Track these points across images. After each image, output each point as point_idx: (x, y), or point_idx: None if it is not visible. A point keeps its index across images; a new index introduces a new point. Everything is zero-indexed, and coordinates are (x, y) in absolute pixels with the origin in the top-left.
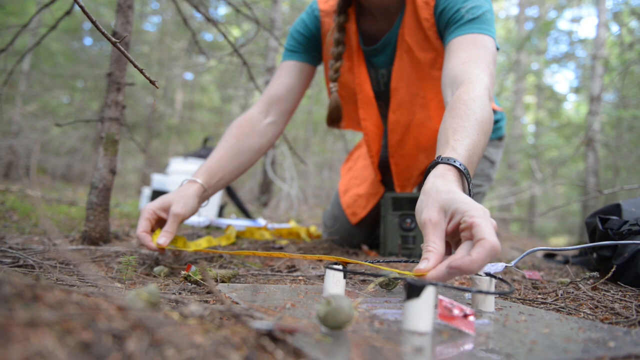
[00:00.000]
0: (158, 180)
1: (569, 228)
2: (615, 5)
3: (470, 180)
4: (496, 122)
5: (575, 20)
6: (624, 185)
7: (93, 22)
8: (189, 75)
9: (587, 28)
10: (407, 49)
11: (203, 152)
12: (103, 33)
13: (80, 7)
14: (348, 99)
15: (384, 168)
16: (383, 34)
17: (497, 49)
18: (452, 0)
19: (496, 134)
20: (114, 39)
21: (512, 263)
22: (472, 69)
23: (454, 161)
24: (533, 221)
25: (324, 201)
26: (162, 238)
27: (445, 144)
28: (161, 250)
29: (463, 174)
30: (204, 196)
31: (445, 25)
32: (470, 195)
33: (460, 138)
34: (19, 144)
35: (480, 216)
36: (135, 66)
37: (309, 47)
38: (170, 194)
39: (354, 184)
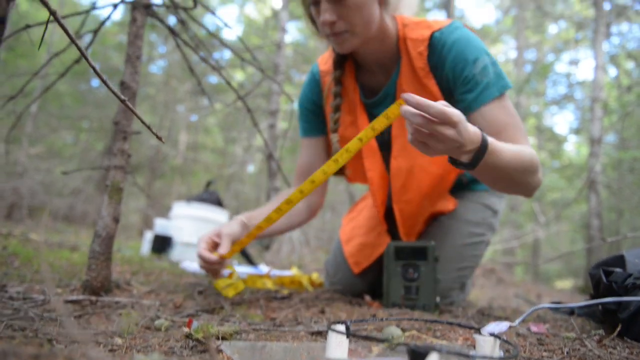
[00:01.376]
0: (161, 224)
1: (573, 271)
2: (611, 48)
3: (484, 149)
4: None
5: (573, 62)
6: (628, 231)
7: (103, 81)
8: (193, 116)
9: (585, 70)
10: (419, 87)
11: (206, 195)
12: (113, 91)
13: (92, 68)
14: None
15: (389, 218)
16: (382, 86)
17: (510, 87)
18: (457, 61)
19: None
20: (122, 97)
21: (516, 322)
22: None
23: (485, 136)
24: (537, 266)
25: (326, 244)
26: (222, 248)
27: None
28: (221, 260)
29: (482, 140)
30: (246, 227)
31: (459, 85)
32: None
33: (505, 145)
34: (23, 185)
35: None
36: (143, 123)
37: (318, 118)
38: (218, 226)
39: (357, 233)
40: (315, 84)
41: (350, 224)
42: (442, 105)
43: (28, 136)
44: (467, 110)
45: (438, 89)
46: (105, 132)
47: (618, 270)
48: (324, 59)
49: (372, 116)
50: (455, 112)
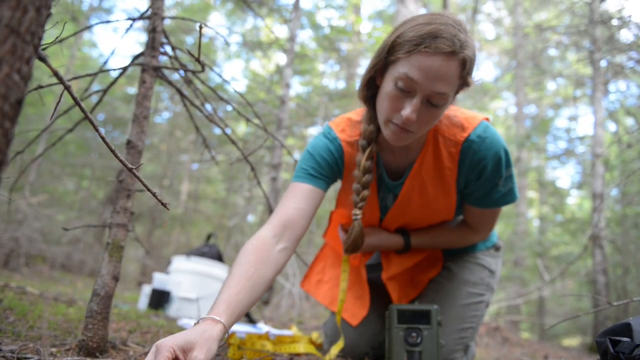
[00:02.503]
0: (159, 279)
1: (581, 328)
2: (610, 105)
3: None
4: None
5: (573, 118)
6: (635, 287)
7: (112, 151)
8: (195, 165)
9: (585, 126)
10: (420, 182)
11: (205, 249)
12: (121, 161)
13: (102, 138)
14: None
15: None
16: (401, 168)
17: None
18: (490, 170)
19: (485, 245)
20: (130, 166)
21: None
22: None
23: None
24: (544, 326)
25: None
26: None
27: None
28: None
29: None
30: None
31: (480, 183)
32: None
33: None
34: (22, 233)
35: None
36: (149, 190)
37: (330, 174)
38: (192, 334)
39: (336, 292)
40: (339, 147)
41: (322, 287)
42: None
43: (30, 184)
44: (468, 201)
45: (455, 187)
46: (106, 180)
47: (625, 340)
48: (339, 127)
49: (384, 190)
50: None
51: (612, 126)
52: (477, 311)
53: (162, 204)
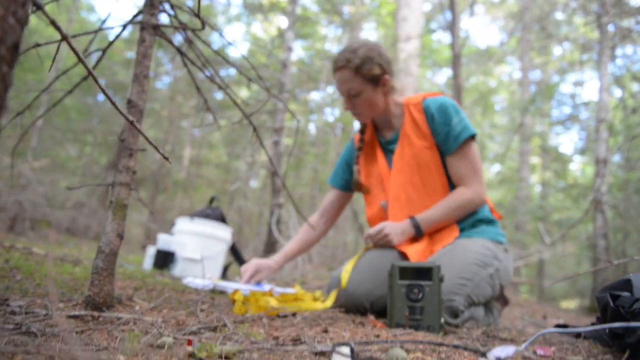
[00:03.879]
0: (163, 240)
1: (579, 290)
2: (616, 70)
3: (419, 227)
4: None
5: (578, 84)
6: (635, 252)
7: (112, 103)
8: (196, 131)
9: (590, 91)
10: (407, 136)
11: (209, 211)
12: (121, 113)
13: (102, 90)
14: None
15: None
16: (392, 133)
17: (475, 135)
18: (443, 120)
19: (493, 238)
20: (130, 118)
21: (523, 346)
22: (469, 182)
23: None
24: (543, 287)
25: (329, 260)
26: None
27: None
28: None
29: (414, 224)
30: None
31: (442, 137)
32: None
33: (435, 209)
34: (26, 198)
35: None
36: (151, 143)
37: (345, 173)
38: (261, 262)
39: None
40: (351, 144)
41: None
42: (376, 227)
43: (33, 149)
44: (443, 151)
45: (429, 130)
46: (109, 146)
47: (625, 294)
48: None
49: (386, 151)
50: (380, 225)
51: (617, 92)
52: (480, 272)
53: (164, 157)
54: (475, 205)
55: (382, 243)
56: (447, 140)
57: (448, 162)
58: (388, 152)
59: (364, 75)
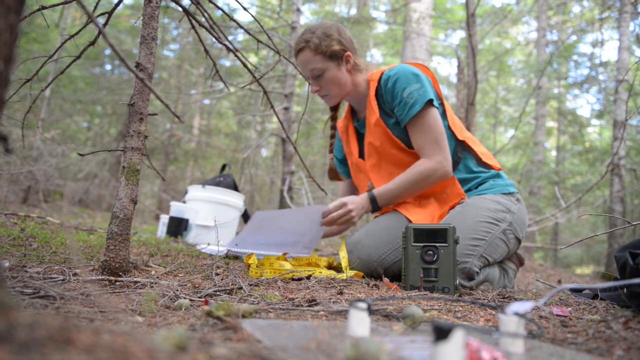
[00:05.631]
0: (176, 207)
1: (594, 257)
2: (637, 28)
3: (374, 200)
4: (492, 178)
5: (596, 44)
6: None
7: (122, 59)
8: (206, 100)
9: (609, 52)
10: (371, 110)
11: (220, 178)
12: (132, 70)
13: (111, 46)
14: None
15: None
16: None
17: (431, 100)
18: (394, 91)
19: (501, 190)
20: (141, 75)
21: (541, 302)
22: (429, 152)
23: (370, 192)
24: (557, 251)
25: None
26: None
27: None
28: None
29: (371, 199)
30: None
31: (396, 110)
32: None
33: (393, 183)
34: (38, 169)
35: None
36: (162, 102)
37: (343, 166)
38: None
39: None
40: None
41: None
42: (337, 202)
43: (42, 121)
44: (401, 123)
45: (377, 108)
46: (118, 117)
47: None
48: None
49: (359, 135)
50: (340, 200)
51: (638, 52)
52: (492, 229)
53: (177, 116)
54: (439, 176)
55: (343, 220)
56: (402, 112)
57: (409, 134)
58: (360, 135)
59: (323, 52)
